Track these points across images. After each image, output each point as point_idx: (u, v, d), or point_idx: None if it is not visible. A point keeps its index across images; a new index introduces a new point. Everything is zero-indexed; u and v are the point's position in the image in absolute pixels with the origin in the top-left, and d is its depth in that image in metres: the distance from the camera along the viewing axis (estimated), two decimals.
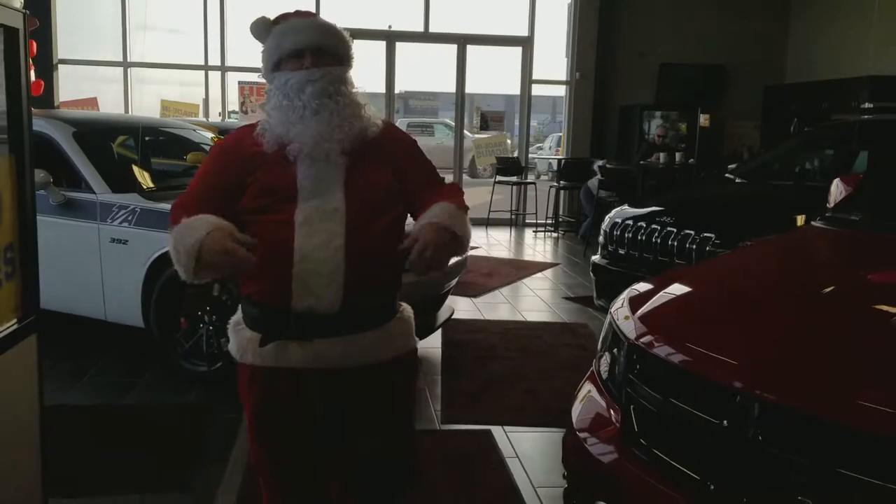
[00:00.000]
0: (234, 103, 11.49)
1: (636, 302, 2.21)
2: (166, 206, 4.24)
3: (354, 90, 1.92)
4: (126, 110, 11.06)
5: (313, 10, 2.11)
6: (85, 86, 11.42)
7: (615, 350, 2.13)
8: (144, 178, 4.76)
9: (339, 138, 1.83)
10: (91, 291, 4.38)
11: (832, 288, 2.16)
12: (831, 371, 1.65)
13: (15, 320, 1.97)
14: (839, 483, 1.48)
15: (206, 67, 11.37)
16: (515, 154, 12.02)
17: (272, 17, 1.94)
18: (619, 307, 2.25)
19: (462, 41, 11.45)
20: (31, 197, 2.02)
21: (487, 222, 11.00)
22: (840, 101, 9.98)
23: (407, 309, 2.04)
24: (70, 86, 11.08)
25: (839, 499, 1.49)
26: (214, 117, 11.17)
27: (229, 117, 11.15)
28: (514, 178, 11.19)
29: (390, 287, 1.96)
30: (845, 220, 2.70)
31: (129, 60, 11.01)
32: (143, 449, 3.32)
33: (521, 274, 7.62)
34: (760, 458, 1.60)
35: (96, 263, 4.33)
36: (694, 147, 10.90)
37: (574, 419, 2.20)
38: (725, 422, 1.66)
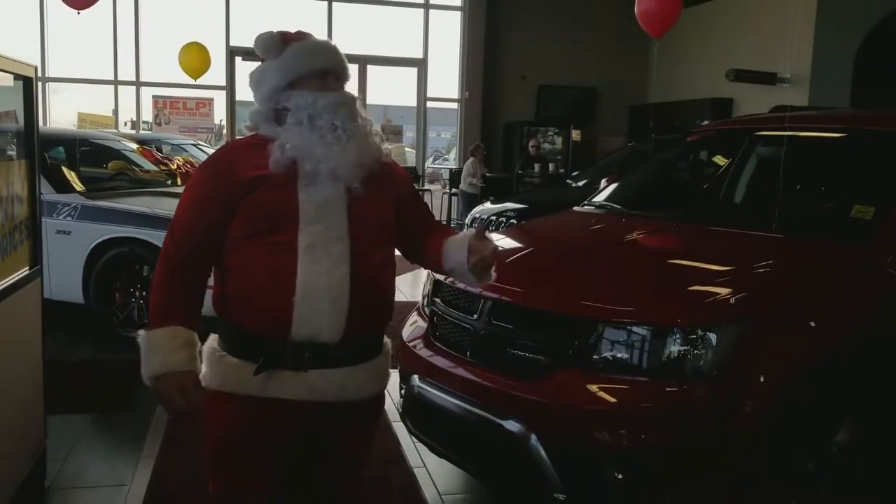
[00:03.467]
0: (146, 115, 12.29)
1: None
2: (103, 203, 5.24)
3: (366, 114, 1.92)
4: (44, 122, 11.68)
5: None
6: None
7: (427, 285, 3.32)
8: (81, 182, 5.68)
9: (366, 164, 1.82)
10: None
11: (578, 243, 3.41)
12: (538, 281, 2.86)
13: (27, 267, 2.98)
14: (534, 345, 2.68)
15: (116, 82, 12.07)
16: (413, 164, 13.23)
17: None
18: None
19: (363, 62, 12.59)
20: (35, 189, 3.03)
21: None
22: (689, 119, 11.61)
23: (388, 344, 2.02)
24: None
25: (541, 350, 2.68)
26: (122, 128, 11.92)
27: (142, 129, 11.93)
28: None
29: (386, 319, 1.95)
30: (601, 204, 3.96)
31: (47, 76, 11.64)
32: (92, 386, 4.30)
33: (412, 267, 8.77)
34: (490, 337, 2.79)
35: (43, 251, 5.24)
36: (568, 159, 12.38)
37: (404, 335, 3.35)
38: (475, 316, 2.85)
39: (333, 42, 1.92)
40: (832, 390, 2.53)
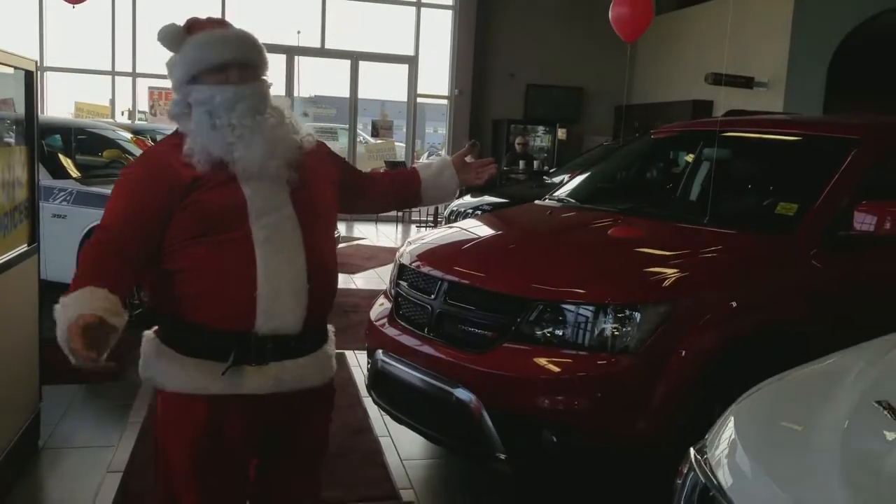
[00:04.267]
0: (142, 106, 12.55)
1: (410, 243, 3.68)
2: (98, 189, 5.51)
3: (279, 104, 1.87)
4: (42, 111, 11.92)
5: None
6: None
7: (394, 270, 3.61)
8: (76, 169, 5.96)
9: (283, 154, 1.79)
10: None
11: (529, 232, 3.70)
12: (489, 266, 3.15)
13: (26, 244, 3.26)
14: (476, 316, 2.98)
15: (114, 73, 12.33)
16: (402, 158, 13.51)
17: (181, 24, 1.83)
18: (401, 246, 3.72)
19: (355, 58, 12.86)
20: (35, 173, 3.31)
21: (377, 219, 12.42)
22: (671, 119, 11.90)
23: (331, 330, 2.04)
24: None
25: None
26: (118, 118, 12.18)
27: (138, 119, 12.19)
28: None
29: (332, 305, 1.97)
30: (559, 198, 4.25)
31: (44, 65, 11.88)
32: None
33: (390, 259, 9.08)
34: (446, 315, 3.08)
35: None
36: (553, 156, 12.68)
37: (372, 315, 3.64)
38: (433, 296, 3.14)
39: (243, 30, 1.84)
40: (748, 365, 2.83)
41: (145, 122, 11.79)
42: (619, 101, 13.47)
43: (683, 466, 1.62)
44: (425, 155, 16.41)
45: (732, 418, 1.67)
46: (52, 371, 3.63)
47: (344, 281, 7.44)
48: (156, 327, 1.89)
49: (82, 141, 6.70)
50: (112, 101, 12.46)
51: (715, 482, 1.46)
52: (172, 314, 1.80)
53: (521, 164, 11.46)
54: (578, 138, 13.43)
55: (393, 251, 10.19)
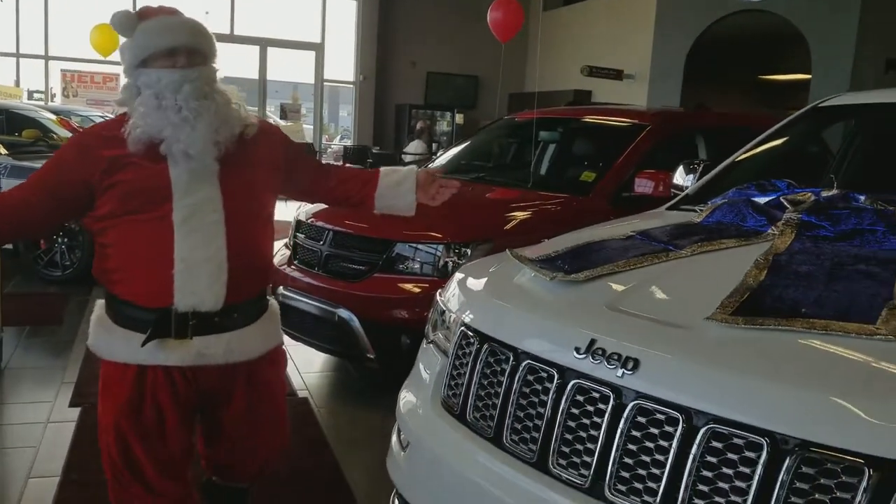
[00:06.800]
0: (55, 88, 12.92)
1: (303, 205, 4.64)
2: (29, 164, 6.21)
3: (225, 89, 1.91)
4: None
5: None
6: None
7: (291, 226, 4.57)
8: (4, 147, 6.61)
9: (222, 140, 1.83)
10: None
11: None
12: (362, 217, 4.14)
13: None
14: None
15: (18, 55, 12.62)
16: (309, 140, 14.31)
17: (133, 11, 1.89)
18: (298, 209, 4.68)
19: (264, 44, 13.55)
20: None
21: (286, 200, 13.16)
22: (557, 106, 13.15)
23: (273, 304, 2.11)
24: None
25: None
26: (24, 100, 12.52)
27: (51, 101, 12.56)
28: None
29: (264, 283, 2.04)
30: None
31: None
32: (29, 308, 5.35)
33: None
34: (331, 256, 4.05)
35: None
36: (452, 139, 13.76)
37: (275, 261, 4.57)
38: (322, 243, 4.11)
39: (192, 18, 1.91)
40: None
41: (57, 104, 12.19)
42: (512, 89, 14.66)
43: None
44: (338, 138, 17.20)
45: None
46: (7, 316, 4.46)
47: None
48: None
49: (8, 120, 7.29)
50: (17, 83, 12.76)
51: (443, 305, 2.27)
52: (105, 288, 1.93)
53: (419, 145, 12.50)
54: (475, 122, 14.53)
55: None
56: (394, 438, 2.11)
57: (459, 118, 14.09)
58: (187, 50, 1.84)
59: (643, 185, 4.34)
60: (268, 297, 2.12)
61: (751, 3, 9.21)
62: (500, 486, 1.60)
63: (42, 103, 11.76)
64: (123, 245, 1.85)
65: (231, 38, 13.35)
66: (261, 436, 2.10)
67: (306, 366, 4.58)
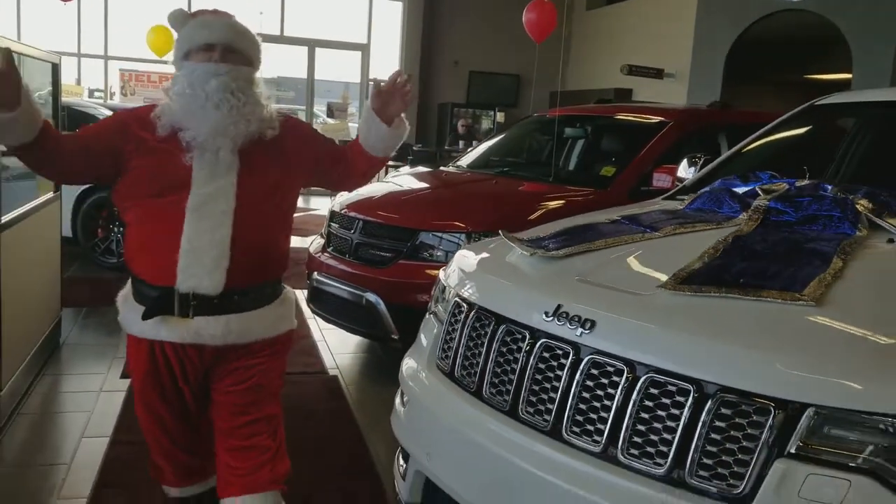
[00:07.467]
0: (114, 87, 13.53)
1: (339, 195, 4.93)
2: None
3: (259, 91, 1.99)
4: None
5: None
6: None
7: (327, 216, 4.86)
8: None
9: (233, 134, 1.91)
10: None
11: (424, 186, 4.97)
12: (391, 208, 4.41)
13: (52, 192, 4.43)
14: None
15: (80, 55, 13.23)
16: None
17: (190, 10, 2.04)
18: (333, 202, 4.96)
19: (312, 45, 13.96)
20: None
21: (330, 194, 13.57)
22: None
23: (290, 292, 2.17)
24: None
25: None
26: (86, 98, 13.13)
27: (110, 98, 13.17)
28: None
29: (274, 273, 2.10)
30: (457, 165, 5.52)
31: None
32: (87, 291, 5.76)
33: None
34: (361, 244, 4.33)
35: None
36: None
37: (310, 250, 4.86)
38: (353, 231, 4.39)
39: (238, 21, 2.02)
40: None
41: (117, 102, 12.77)
42: (553, 87, 14.79)
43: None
44: None
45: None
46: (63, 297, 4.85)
47: (299, 241, 8.65)
48: None
49: (72, 117, 7.76)
50: (78, 82, 13.40)
51: (444, 281, 2.45)
52: (126, 265, 2.07)
53: (461, 143, 12.75)
54: (516, 121, 14.69)
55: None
56: (397, 399, 2.36)
57: (501, 116, 14.29)
58: (224, 47, 1.95)
59: (661, 180, 4.52)
60: (282, 285, 2.17)
61: (791, 3, 9.22)
62: (480, 432, 1.85)
63: (101, 101, 12.37)
64: (140, 225, 1.98)
65: (281, 39, 13.79)
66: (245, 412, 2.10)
67: (339, 347, 4.87)
